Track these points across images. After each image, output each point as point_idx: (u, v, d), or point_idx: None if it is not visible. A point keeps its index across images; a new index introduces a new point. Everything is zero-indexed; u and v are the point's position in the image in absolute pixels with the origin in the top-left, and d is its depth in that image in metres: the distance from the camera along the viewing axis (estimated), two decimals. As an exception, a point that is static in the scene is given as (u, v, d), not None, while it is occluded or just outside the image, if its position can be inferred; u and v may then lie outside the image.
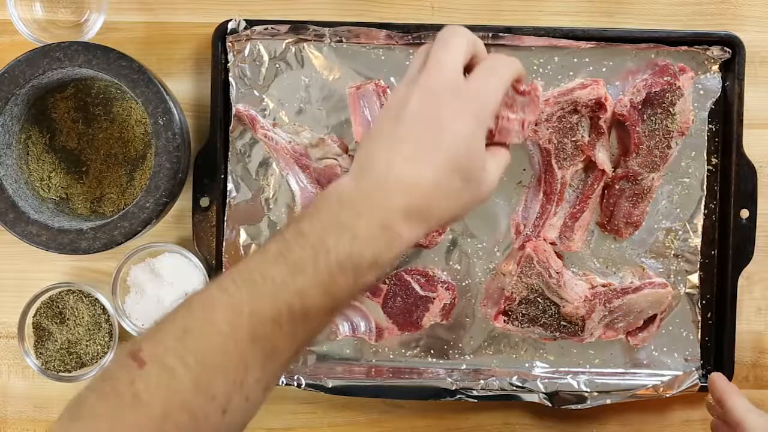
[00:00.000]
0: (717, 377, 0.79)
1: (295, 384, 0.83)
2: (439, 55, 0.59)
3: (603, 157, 0.80)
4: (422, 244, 0.82)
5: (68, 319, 0.84)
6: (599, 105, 0.79)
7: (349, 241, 0.54)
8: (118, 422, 0.50)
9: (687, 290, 0.84)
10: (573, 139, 0.80)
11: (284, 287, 0.53)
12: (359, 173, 0.57)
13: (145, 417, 0.50)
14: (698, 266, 0.84)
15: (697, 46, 0.82)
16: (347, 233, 0.55)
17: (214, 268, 0.83)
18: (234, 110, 0.82)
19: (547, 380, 0.84)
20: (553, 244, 0.82)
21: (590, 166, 0.82)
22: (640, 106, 0.80)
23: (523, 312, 0.81)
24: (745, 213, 0.83)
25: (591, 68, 0.82)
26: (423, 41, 0.82)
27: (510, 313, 0.82)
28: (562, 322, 0.81)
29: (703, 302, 0.84)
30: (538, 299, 0.81)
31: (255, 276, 0.54)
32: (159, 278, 0.83)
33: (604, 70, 0.83)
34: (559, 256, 0.83)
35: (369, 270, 0.55)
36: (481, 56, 0.62)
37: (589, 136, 0.80)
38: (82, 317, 0.84)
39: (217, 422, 0.53)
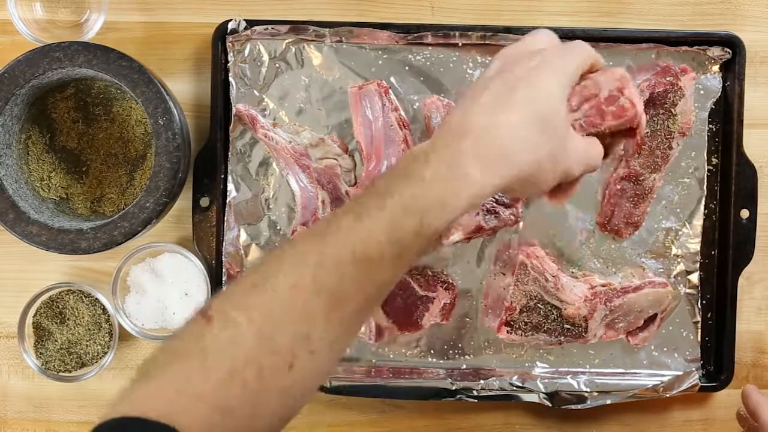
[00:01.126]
0: (751, 390, 0.77)
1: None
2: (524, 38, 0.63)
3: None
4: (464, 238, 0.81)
5: (68, 319, 0.84)
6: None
7: (415, 184, 0.54)
8: (187, 382, 0.50)
9: (687, 290, 0.84)
10: None
11: (349, 232, 0.54)
12: (437, 133, 0.58)
13: (213, 375, 0.50)
14: (698, 266, 0.84)
15: (697, 47, 0.82)
16: (414, 178, 0.55)
17: (214, 268, 0.83)
18: (234, 110, 0.82)
19: (547, 380, 0.84)
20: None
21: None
22: (643, 107, 0.80)
23: (525, 320, 0.81)
24: (745, 213, 0.83)
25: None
26: (423, 41, 0.82)
27: (512, 323, 0.82)
28: (566, 325, 0.81)
29: (703, 302, 0.84)
30: (539, 305, 0.81)
31: (323, 226, 0.55)
32: (159, 278, 0.83)
33: (604, 70, 0.83)
34: (556, 261, 0.83)
35: (436, 214, 0.55)
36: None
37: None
38: (82, 317, 0.84)
39: (284, 379, 0.52)
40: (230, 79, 0.83)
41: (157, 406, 0.49)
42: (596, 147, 0.63)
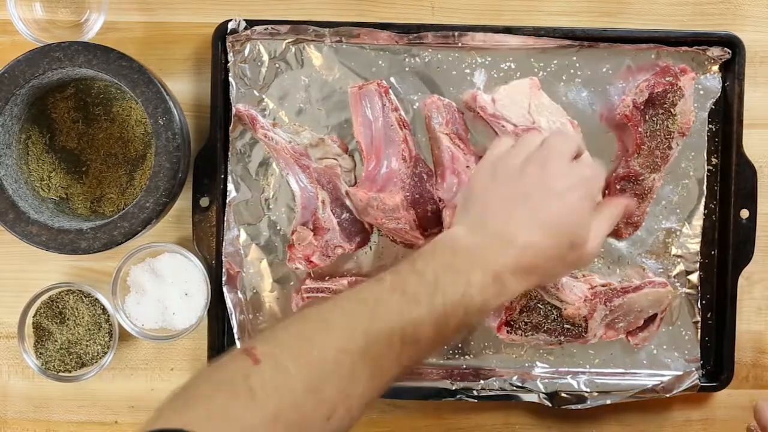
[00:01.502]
0: (764, 405, 0.76)
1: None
2: (557, 140, 0.69)
3: None
4: None
5: (68, 319, 0.84)
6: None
7: (463, 286, 0.61)
8: (233, 414, 0.52)
9: (687, 290, 0.84)
10: None
11: (400, 315, 0.59)
12: (473, 227, 0.66)
13: (259, 413, 0.53)
14: (698, 266, 0.84)
15: (697, 47, 0.82)
16: (462, 278, 0.62)
17: (213, 268, 0.83)
18: (234, 110, 0.82)
19: (547, 380, 0.84)
20: None
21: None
22: (642, 107, 0.80)
23: (525, 320, 0.81)
24: (745, 213, 0.83)
25: (591, 69, 0.82)
26: (423, 41, 0.82)
27: (513, 323, 0.82)
28: (566, 325, 0.81)
29: (703, 302, 0.84)
30: (539, 305, 0.81)
31: (370, 300, 0.60)
32: (159, 278, 0.83)
33: (604, 70, 0.83)
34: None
35: (476, 314, 0.63)
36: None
37: None
38: (82, 317, 0.84)
39: (321, 428, 0.56)
40: (230, 79, 0.83)
41: (203, 429, 0.51)
42: (608, 219, 0.72)
